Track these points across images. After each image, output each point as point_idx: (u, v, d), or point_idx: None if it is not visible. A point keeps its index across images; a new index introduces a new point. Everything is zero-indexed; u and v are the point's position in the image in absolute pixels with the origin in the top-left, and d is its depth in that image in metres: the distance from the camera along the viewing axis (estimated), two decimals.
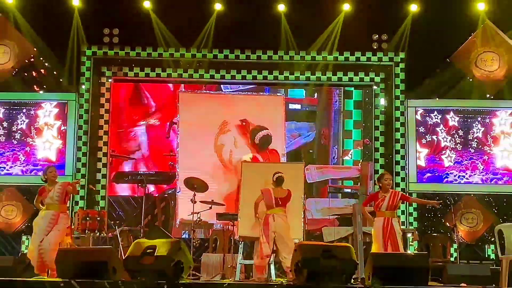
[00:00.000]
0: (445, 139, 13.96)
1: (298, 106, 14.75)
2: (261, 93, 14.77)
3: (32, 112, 13.86)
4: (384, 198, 10.11)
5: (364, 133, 14.65)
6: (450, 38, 13.76)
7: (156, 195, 14.48)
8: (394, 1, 13.85)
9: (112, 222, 12.45)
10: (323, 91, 14.97)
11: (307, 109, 14.87)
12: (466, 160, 13.87)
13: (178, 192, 13.78)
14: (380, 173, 12.19)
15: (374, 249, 9.96)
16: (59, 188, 10.18)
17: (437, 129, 13.98)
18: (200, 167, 13.82)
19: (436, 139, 13.98)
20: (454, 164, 13.86)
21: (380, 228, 9.98)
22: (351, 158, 14.70)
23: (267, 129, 14.08)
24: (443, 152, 13.92)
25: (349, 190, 14.66)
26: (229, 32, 13.86)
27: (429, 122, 13.99)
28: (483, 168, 13.79)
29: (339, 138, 14.78)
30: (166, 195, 14.50)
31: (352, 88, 14.82)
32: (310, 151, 14.76)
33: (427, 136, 13.97)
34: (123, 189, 14.63)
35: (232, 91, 14.91)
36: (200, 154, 14.08)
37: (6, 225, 13.43)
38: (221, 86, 14.89)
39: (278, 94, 14.62)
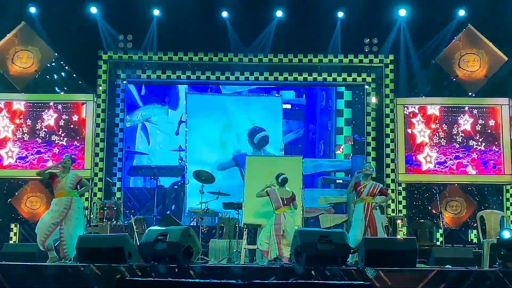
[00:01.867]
0: (422, 133, 13.80)
1: (288, 106, 14.78)
2: (261, 94, 14.81)
3: (60, 108, 13.77)
4: (365, 186, 10.21)
5: (354, 130, 14.65)
6: (435, 41, 13.76)
7: (167, 186, 14.48)
8: (384, 7, 13.82)
9: (128, 212, 12.45)
10: (311, 92, 14.95)
11: (296, 108, 14.90)
12: (451, 159, 13.72)
13: (186, 184, 13.88)
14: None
15: (354, 234, 9.83)
16: (72, 178, 9.93)
17: (413, 120, 13.77)
18: (206, 161, 13.95)
19: (410, 133, 13.75)
20: (435, 166, 13.55)
21: (362, 211, 10.03)
22: (342, 152, 14.71)
23: (264, 130, 14.22)
24: (421, 149, 13.67)
25: (341, 181, 14.73)
26: (233, 36, 13.85)
27: (404, 112, 13.66)
28: (476, 174, 13.51)
29: (327, 133, 14.78)
30: (176, 187, 14.51)
31: (343, 89, 14.79)
32: (299, 145, 14.79)
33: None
34: (137, 181, 14.64)
35: (232, 93, 14.94)
36: (206, 149, 14.21)
37: (30, 215, 13.43)
38: (220, 87, 14.92)
39: (276, 95, 14.72)
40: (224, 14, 13.77)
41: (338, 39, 13.80)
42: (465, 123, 13.63)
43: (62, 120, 13.73)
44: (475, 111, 13.69)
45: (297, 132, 14.73)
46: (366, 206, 10.05)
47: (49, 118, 13.73)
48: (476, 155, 13.53)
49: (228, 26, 13.80)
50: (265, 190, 10.58)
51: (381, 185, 10.63)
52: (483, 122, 13.65)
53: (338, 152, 14.71)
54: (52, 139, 13.70)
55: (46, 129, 13.71)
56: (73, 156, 10.71)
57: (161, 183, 14.15)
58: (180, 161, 14.41)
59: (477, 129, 13.63)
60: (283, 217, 10.39)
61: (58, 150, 13.60)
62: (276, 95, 14.72)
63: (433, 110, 13.67)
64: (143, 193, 14.32)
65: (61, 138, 13.71)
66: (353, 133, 14.66)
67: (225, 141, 14.53)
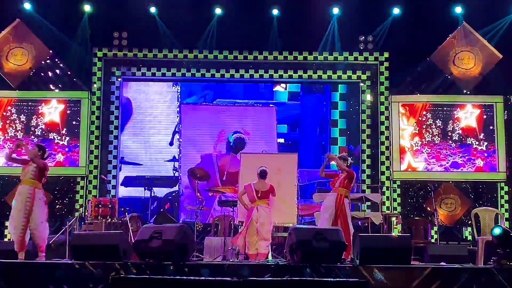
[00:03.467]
0: (400, 132, 13.80)
1: (282, 140, 14.78)
2: (255, 104, 14.79)
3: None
4: (340, 176, 10.15)
5: (348, 140, 14.62)
6: (430, 39, 13.75)
7: (161, 197, 14.42)
8: (379, 5, 13.83)
9: (122, 209, 12.42)
10: (305, 126, 14.92)
11: (290, 143, 14.92)
12: (446, 169, 13.73)
13: (180, 195, 13.90)
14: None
15: (321, 224, 9.85)
16: (35, 166, 9.64)
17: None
18: None
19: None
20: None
21: (333, 202, 9.92)
22: None
23: (241, 133, 14.20)
24: (401, 157, 13.74)
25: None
26: (228, 34, 13.83)
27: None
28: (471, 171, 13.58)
29: (321, 165, 14.71)
30: (170, 197, 14.48)
31: (338, 99, 14.77)
32: None
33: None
34: (131, 191, 14.56)
35: (226, 104, 14.90)
36: (200, 160, 14.21)
37: None
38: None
39: (270, 105, 14.68)
40: (218, 11, 13.75)
41: (335, 36, 13.79)
42: (469, 116, 13.58)
43: (64, 115, 13.73)
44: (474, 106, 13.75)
45: None
46: (338, 197, 9.95)
47: (51, 111, 13.70)
48: (482, 162, 13.50)
49: (222, 24, 13.78)
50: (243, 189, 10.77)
51: (352, 173, 10.35)
52: (485, 117, 13.67)
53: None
54: (50, 137, 13.69)
55: (43, 126, 13.67)
56: (42, 145, 10.61)
57: (156, 193, 14.05)
58: (174, 172, 14.40)
59: (476, 126, 13.63)
60: (256, 210, 10.41)
61: (62, 157, 13.58)
62: (271, 105, 14.70)
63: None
64: (137, 204, 14.21)
65: (63, 138, 13.71)
66: (348, 143, 14.64)
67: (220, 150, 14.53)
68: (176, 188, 14.35)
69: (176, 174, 14.35)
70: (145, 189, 13.49)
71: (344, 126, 14.69)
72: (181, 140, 14.33)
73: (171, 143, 14.60)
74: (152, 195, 13.32)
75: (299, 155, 14.02)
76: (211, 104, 14.80)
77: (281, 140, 14.77)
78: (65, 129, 13.70)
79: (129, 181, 14.38)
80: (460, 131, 13.67)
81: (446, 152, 13.61)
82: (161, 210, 13.76)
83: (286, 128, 14.90)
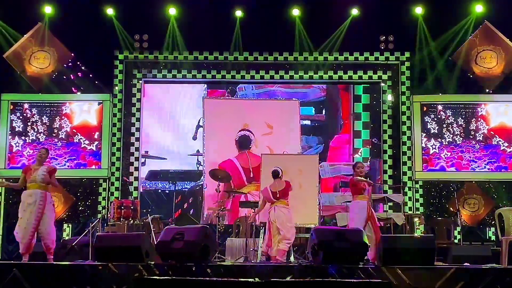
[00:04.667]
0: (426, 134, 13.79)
1: (308, 122, 14.67)
2: (278, 98, 14.74)
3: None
4: (366, 186, 10.08)
5: (372, 133, 14.52)
6: (452, 38, 13.67)
7: (185, 191, 14.46)
8: (400, 4, 13.75)
9: (144, 210, 12.48)
10: (331, 109, 14.80)
11: (316, 124, 14.81)
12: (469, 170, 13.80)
13: (204, 189, 13.94)
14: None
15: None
16: (44, 170, 9.76)
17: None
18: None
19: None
20: None
21: (365, 210, 9.87)
22: (361, 155, 14.53)
23: (249, 131, 14.19)
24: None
25: None
26: (248, 35, 13.85)
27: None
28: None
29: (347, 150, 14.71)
30: (194, 191, 14.51)
31: (361, 92, 14.67)
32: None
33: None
34: (155, 185, 14.60)
35: (250, 98, 14.86)
36: (223, 153, 14.19)
37: None
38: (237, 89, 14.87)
39: (293, 99, 14.63)
40: (238, 13, 13.77)
41: (345, 35, 13.76)
42: (503, 111, 13.47)
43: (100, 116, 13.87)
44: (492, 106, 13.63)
45: (316, 148, 14.60)
46: (368, 206, 9.96)
47: (84, 109, 13.86)
48: None
49: (242, 25, 13.79)
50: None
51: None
52: None
53: (356, 155, 14.57)
54: (75, 141, 13.80)
55: (68, 129, 13.78)
56: (46, 147, 10.70)
57: (179, 187, 14.08)
58: (198, 166, 14.43)
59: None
60: (273, 211, 10.42)
61: (96, 168, 13.78)
62: (294, 99, 14.65)
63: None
64: (161, 198, 14.26)
65: (91, 143, 13.83)
66: (371, 136, 14.52)
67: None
68: (200, 181, 14.34)
69: (200, 168, 14.37)
70: (169, 183, 13.55)
71: (368, 119, 14.57)
72: (204, 134, 14.33)
73: (194, 138, 14.60)
74: (176, 189, 13.40)
75: (324, 140, 14.11)
76: (234, 98, 14.76)
77: (307, 122, 14.68)
78: (97, 132, 13.81)
79: (153, 176, 14.44)
80: (485, 131, 13.53)
81: (469, 157, 13.47)
82: (184, 209, 13.81)
83: (312, 110, 14.78)
